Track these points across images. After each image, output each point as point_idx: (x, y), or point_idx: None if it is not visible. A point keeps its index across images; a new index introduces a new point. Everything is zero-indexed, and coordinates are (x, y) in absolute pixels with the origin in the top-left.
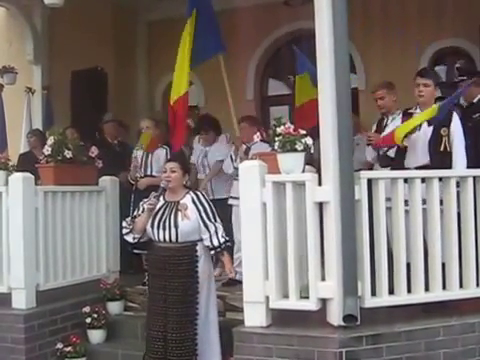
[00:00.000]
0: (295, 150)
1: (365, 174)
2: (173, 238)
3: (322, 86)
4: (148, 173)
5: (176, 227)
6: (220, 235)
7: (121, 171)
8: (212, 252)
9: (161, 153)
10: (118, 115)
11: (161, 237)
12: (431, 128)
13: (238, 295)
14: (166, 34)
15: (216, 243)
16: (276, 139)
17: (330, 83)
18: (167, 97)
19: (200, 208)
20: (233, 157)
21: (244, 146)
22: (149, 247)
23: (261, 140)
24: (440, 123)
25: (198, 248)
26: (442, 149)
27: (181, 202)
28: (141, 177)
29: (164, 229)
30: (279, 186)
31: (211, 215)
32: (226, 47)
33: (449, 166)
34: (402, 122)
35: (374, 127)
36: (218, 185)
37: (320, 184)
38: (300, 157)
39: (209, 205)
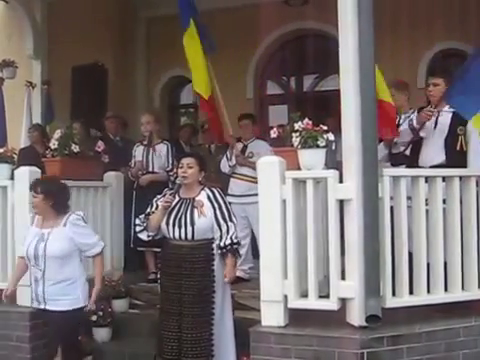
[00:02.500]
0: (317, 146)
1: (388, 171)
2: (189, 236)
3: (345, 80)
4: (150, 169)
5: (192, 225)
6: (229, 236)
7: (122, 167)
8: (219, 252)
9: (163, 149)
10: (117, 111)
11: (177, 235)
12: (447, 126)
13: (246, 293)
14: (165, 31)
15: (222, 244)
16: (294, 135)
17: (353, 77)
18: (165, 94)
19: (215, 206)
20: (228, 156)
21: (240, 144)
22: (163, 245)
23: (257, 137)
24: (457, 121)
25: (214, 246)
26: (458, 148)
27: (196, 199)
28: (143, 174)
29: (180, 227)
30: (298, 183)
31: (226, 214)
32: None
33: (465, 165)
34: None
35: None
36: None
37: (340, 181)
38: (322, 153)
39: (225, 203)
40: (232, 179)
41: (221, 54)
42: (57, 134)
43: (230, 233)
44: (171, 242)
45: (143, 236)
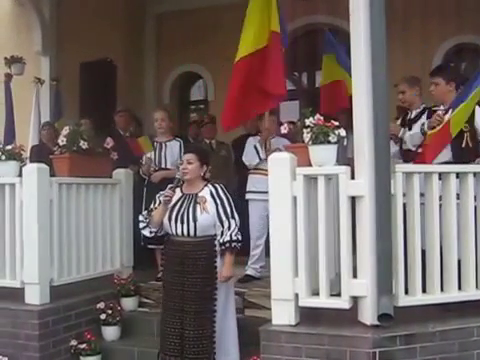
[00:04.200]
0: (328, 142)
1: (400, 168)
2: (191, 232)
3: (356, 73)
4: (162, 166)
5: (195, 221)
6: (230, 233)
7: (131, 163)
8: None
9: (175, 145)
10: (127, 107)
11: (179, 231)
12: None
13: (256, 291)
14: (175, 27)
15: (221, 240)
16: (305, 131)
17: (366, 70)
18: (175, 90)
19: (218, 202)
20: (258, 148)
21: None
22: (166, 241)
23: (277, 134)
24: None
25: (216, 243)
26: (464, 145)
27: (199, 195)
28: (155, 170)
29: (182, 223)
30: (310, 179)
31: (229, 210)
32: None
33: (470, 162)
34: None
35: (398, 121)
36: None
37: (352, 177)
38: (333, 149)
39: (228, 199)
40: (253, 175)
41: (231, 50)
42: (65, 130)
43: (231, 230)
44: (174, 238)
45: (146, 232)
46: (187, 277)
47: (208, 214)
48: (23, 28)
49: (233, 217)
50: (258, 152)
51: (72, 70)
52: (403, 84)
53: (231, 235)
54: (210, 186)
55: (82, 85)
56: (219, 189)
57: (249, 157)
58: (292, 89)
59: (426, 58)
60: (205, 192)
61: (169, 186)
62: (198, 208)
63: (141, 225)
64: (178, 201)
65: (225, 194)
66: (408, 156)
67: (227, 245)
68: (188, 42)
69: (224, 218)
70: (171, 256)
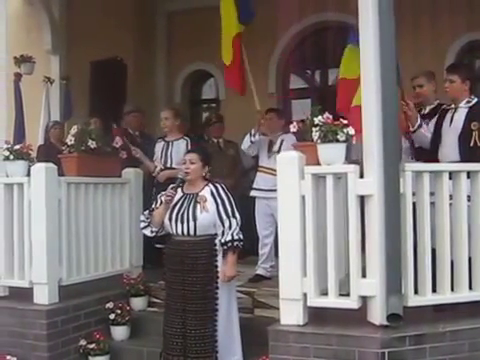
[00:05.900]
0: (337, 140)
1: (410, 166)
2: (191, 231)
3: (366, 73)
4: (168, 165)
5: (194, 220)
6: (231, 232)
7: (141, 163)
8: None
9: (181, 144)
10: (137, 106)
11: (179, 230)
12: (462, 122)
13: (266, 291)
14: (186, 25)
15: (223, 240)
16: (314, 129)
17: (375, 70)
18: (186, 89)
19: (218, 201)
20: (252, 132)
21: (267, 138)
22: (167, 241)
23: (285, 132)
24: (471, 117)
25: (217, 242)
26: (472, 144)
27: (200, 194)
28: (161, 169)
29: (182, 222)
30: (318, 178)
31: (229, 209)
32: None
33: (478, 161)
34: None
35: None
36: None
37: (361, 176)
38: (342, 148)
39: (228, 199)
40: (259, 173)
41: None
42: (73, 130)
43: (232, 229)
44: (174, 238)
45: (147, 232)
46: (187, 276)
47: (208, 213)
48: (33, 27)
49: (234, 216)
50: (251, 135)
51: (82, 69)
52: (421, 78)
53: (233, 234)
54: (211, 185)
55: (92, 84)
56: (220, 188)
57: (244, 141)
58: (304, 87)
59: (437, 57)
60: (205, 191)
61: (171, 186)
62: (198, 207)
63: (142, 225)
64: (179, 201)
65: (226, 193)
66: (420, 154)
67: (229, 244)
68: (199, 40)
69: (224, 217)
70: (171, 255)
